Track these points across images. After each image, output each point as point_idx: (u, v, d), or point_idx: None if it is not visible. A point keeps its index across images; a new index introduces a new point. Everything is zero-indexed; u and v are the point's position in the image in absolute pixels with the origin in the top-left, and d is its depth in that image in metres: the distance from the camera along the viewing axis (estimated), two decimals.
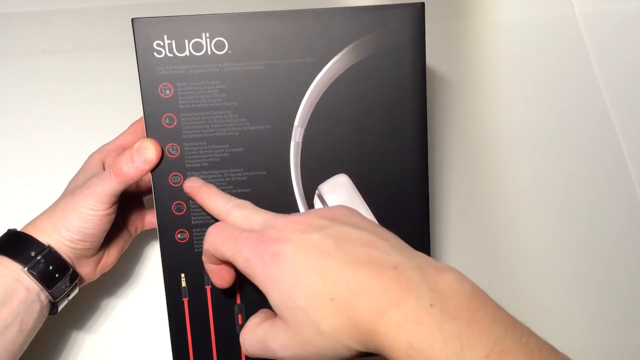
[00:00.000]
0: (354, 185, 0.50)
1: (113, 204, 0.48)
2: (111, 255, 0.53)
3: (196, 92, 0.48)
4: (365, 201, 0.50)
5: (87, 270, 0.51)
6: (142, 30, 0.47)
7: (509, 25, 0.74)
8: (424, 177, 0.51)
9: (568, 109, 0.71)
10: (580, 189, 0.68)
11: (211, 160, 0.49)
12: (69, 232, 0.47)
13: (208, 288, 0.51)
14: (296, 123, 0.49)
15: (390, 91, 0.49)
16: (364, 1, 0.75)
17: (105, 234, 0.49)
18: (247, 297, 0.50)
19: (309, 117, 0.49)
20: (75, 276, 0.49)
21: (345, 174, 0.50)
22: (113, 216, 0.49)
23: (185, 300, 0.50)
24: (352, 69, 0.49)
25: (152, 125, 0.48)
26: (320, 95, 0.49)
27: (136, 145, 0.47)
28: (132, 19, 0.47)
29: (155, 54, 0.47)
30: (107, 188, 0.47)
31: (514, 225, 0.67)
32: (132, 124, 0.55)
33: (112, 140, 0.54)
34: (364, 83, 0.49)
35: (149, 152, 0.47)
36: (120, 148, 0.53)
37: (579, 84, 0.71)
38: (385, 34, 0.48)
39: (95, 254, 0.51)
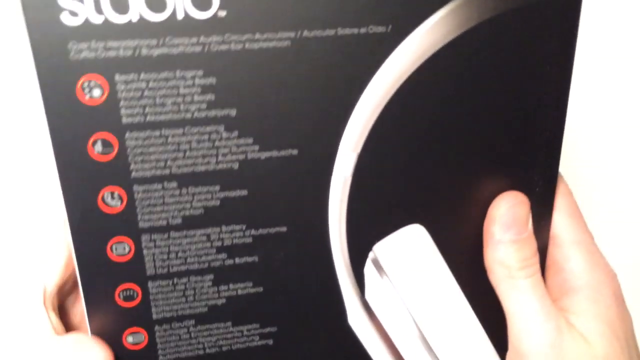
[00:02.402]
0: (433, 243, 0.29)
1: None
2: None
3: (156, 92, 0.24)
4: (450, 267, 0.30)
5: None
6: None
7: None
8: (546, 229, 0.30)
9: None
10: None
11: (187, 213, 0.26)
12: None
13: None
14: (344, 146, 0.27)
15: (515, 85, 0.27)
16: None
17: None
18: None
19: (367, 134, 0.27)
20: None
21: (422, 224, 0.29)
22: None
23: None
24: (454, 45, 0.26)
25: (68, 159, 0.24)
26: (390, 96, 0.26)
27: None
28: None
29: (63, 17, 0.22)
30: None
31: None
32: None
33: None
34: (473, 71, 0.27)
35: None
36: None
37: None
38: None
39: None
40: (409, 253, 0.29)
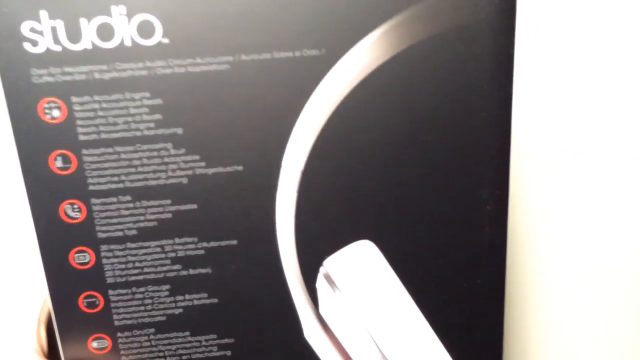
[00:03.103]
0: (383, 257, 0.30)
1: None
2: None
3: (108, 112, 0.27)
4: (404, 284, 0.31)
5: None
6: None
7: None
8: (501, 244, 0.31)
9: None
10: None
11: (141, 225, 0.28)
12: None
13: None
14: (288, 163, 0.28)
15: (454, 104, 0.28)
16: None
17: None
18: None
19: (310, 151, 0.28)
20: None
21: (371, 240, 0.30)
22: None
23: None
24: (388, 66, 0.27)
25: (33, 173, 0.27)
26: (329, 115, 0.28)
27: None
28: None
29: (26, 45, 0.25)
30: None
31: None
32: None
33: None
34: (410, 89, 0.28)
35: None
36: None
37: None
38: (457, 1, 0.27)
39: None
40: (360, 267, 0.30)
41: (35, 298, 0.35)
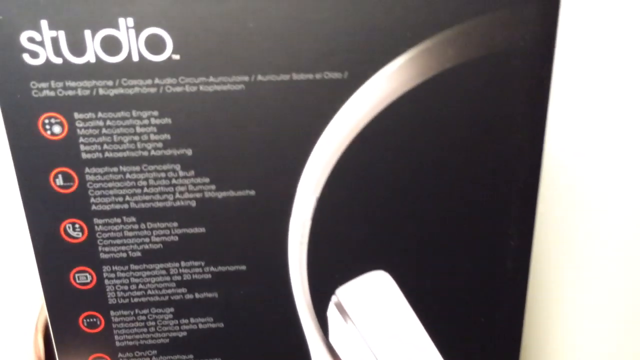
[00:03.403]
0: (398, 289, 0.29)
1: None
2: None
3: (113, 130, 0.25)
4: (420, 318, 0.29)
5: None
6: None
7: None
8: (523, 281, 0.29)
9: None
10: None
11: (146, 247, 0.27)
12: None
13: None
14: (303, 188, 0.26)
15: (482, 136, 0.26)
16: None
17: None
18: None
19: (326, 178, 0.26)
20: None
21: (386, 270, 0.28)
22: None
23: None
24: (414, 93, 0.25)
25: (32, 190, 0.26)
26: (350, 141, 0.26)
27: None
28: None
29: (25, 57, 0.24)
30: None
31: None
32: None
33: None
34: (437, 119, 0.26)
35: None
36: None
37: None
38: (492, 26, 0.24)
39: None
40: (373, 298, 0.28)
41: (32, 305, 0.34)
